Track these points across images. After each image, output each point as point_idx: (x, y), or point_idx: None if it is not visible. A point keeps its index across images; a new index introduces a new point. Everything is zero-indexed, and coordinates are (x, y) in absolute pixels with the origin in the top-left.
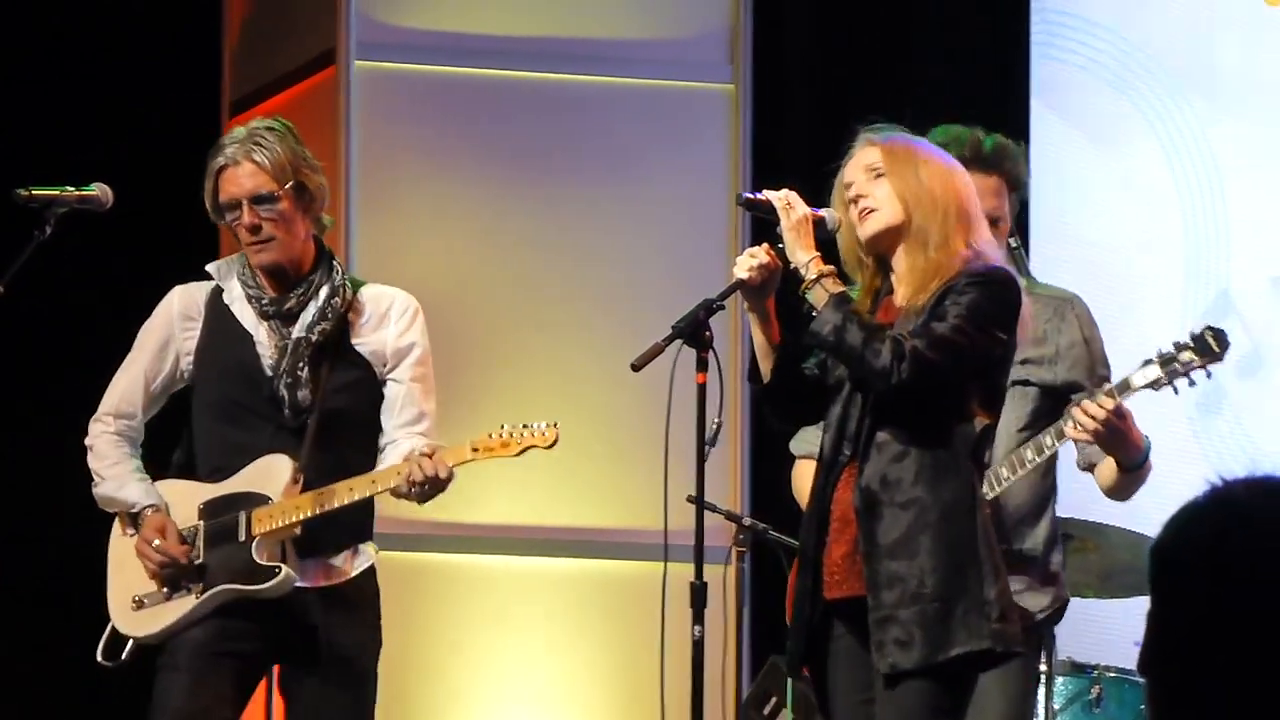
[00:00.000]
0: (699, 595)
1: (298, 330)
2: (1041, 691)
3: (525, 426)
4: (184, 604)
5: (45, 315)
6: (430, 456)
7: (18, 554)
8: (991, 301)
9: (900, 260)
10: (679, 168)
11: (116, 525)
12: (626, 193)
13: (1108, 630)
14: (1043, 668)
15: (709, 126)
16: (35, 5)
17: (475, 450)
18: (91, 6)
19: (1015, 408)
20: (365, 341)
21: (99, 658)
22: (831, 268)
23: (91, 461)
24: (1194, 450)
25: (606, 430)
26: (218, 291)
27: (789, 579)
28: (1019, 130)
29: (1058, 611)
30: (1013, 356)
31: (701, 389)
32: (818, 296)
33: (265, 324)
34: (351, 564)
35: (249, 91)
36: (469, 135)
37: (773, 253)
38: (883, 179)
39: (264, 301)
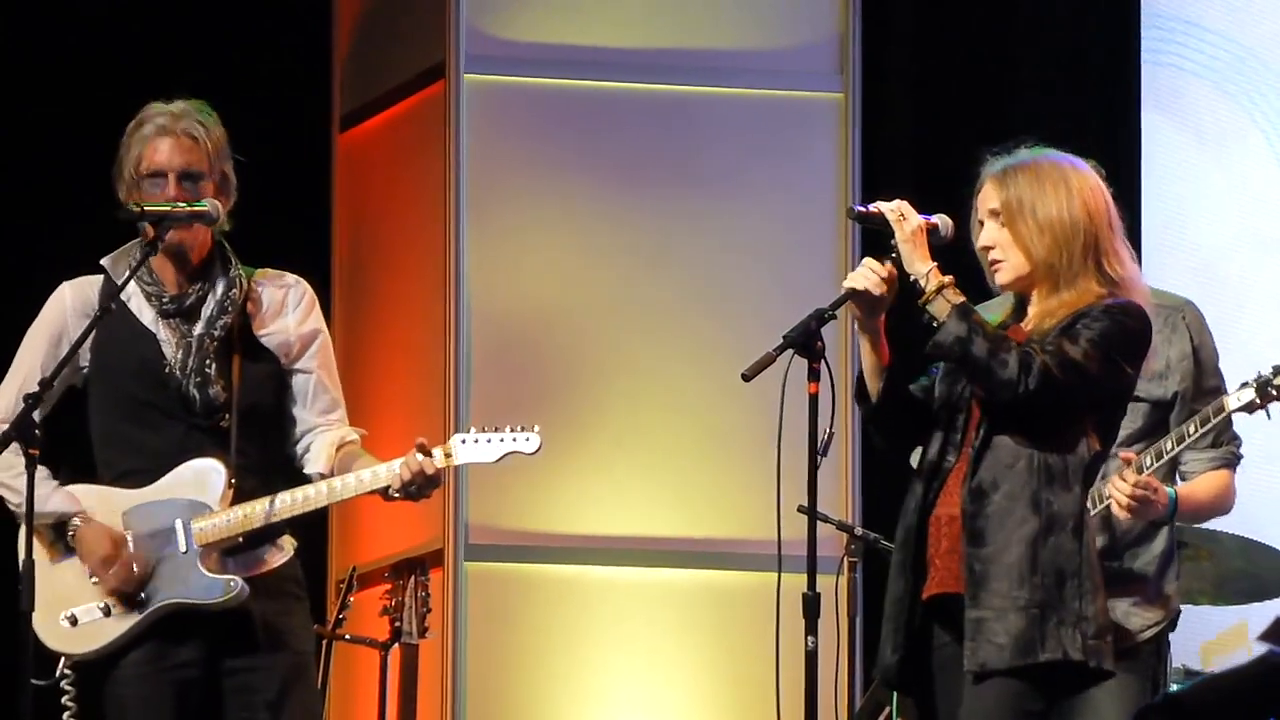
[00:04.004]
0: (812, 606)
1: (200, 327)
2: None
3: (499, 430)
4: (126, 620)
5: None
6: (429, 454)
7: None
8: (1123, 334)
9: (1034, 300)
10: (788, 177)
11: (36, 541)
12: (736, 203)
13: (1222, 637)
14: None
15: (818, 136)
16: (148, 24)
17: (448, 456)
18: (202, 23)
19: (1125, 424)
20: (269, 332)
21: (32, 678)
22: (951, 277)
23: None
24: None
25: (718, 441)
26: (111, 287)
27: None
28: (1129, 136)
29: (1167, 628)
30: (1132, 391)
31: (813, 399)
32: (939, 308)
33: (165, 322)
34: (275, 556)
35: (359, 106)
36: (578, 147)
37: (887, 266)
38: (1005, 226)
39: (164, 300)
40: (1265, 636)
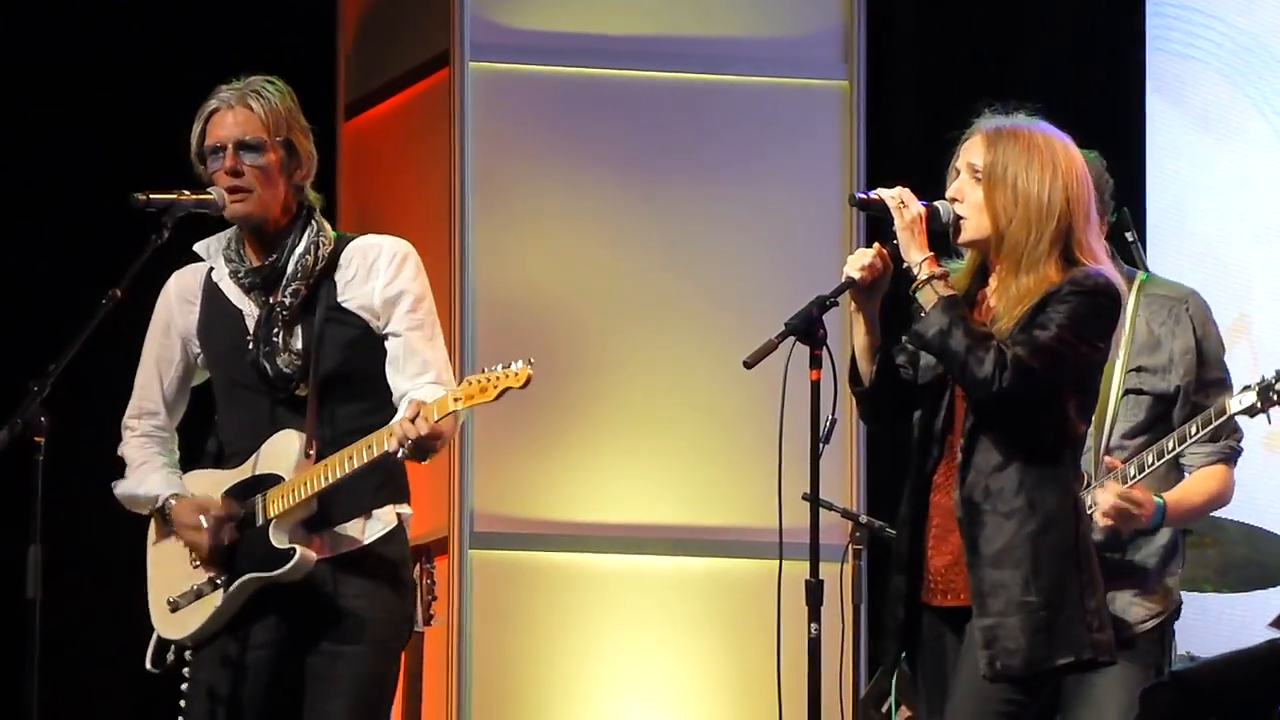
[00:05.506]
0: (815, 593)
1: (276, 295)
2: None
3: (505, 367)
4: (213, 600)
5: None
6: (414, 419)
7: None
8: (1092, 311)
9: (994, 273)
10: (793, 165)
11: (151, 529)
12: (741, 190)
13: (1226, 624)
14: None
15: (823, 123)
16: (151, 13)
17: (456, 400)
18: (207, 12)
19: (1128, 416)
20: (353, 297)
21: (148, 665)
22: (944, 269)
23: (126, 471)
24: None
25: (721, 428)
26: (210, 271)
27: None
28: (1133, 121)
29: (1168, 619)
30: (1105, 363)
31: (815, 386)
32: (927, 297)
33: (249, 296)
34: (364, 530)
35: (363, 94)
36: (583, 135)
37: (884, 252)
38: (980, 185)
39: (242, 274)
40: (1277, 624)
